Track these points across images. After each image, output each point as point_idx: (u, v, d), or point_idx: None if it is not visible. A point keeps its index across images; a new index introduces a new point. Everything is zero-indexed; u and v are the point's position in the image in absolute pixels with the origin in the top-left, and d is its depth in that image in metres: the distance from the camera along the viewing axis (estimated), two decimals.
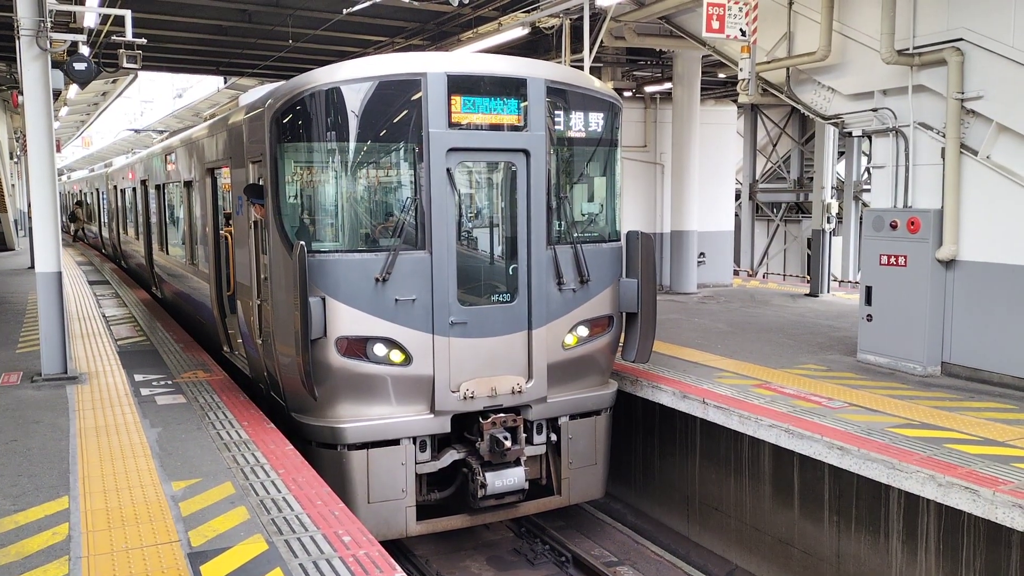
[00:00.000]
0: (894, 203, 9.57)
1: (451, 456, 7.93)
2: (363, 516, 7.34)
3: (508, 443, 7.70)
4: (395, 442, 7.60)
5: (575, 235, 8.23)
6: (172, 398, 8.32)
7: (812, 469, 7.82)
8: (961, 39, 8.66)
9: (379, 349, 7.43)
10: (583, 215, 8.65)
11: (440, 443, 7.95)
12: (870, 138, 10.08)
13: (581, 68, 12.22)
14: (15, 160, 30.11)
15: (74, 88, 20.26)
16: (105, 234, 25.38)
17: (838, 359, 10.23)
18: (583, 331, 8.31)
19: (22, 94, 8.86)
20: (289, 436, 7.26)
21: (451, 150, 7.52)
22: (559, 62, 13.09)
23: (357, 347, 7.38)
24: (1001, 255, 8.55)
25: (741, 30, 10.56)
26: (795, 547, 8.10)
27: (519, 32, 14.15)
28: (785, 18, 10.87)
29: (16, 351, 10.60)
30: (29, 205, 10.32)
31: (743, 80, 10.81)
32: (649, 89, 17.96)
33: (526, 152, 7.82)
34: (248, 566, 4.67)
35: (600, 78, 16.11)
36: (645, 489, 10.23)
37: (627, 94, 17.86)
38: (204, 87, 36.12)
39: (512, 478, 7.85)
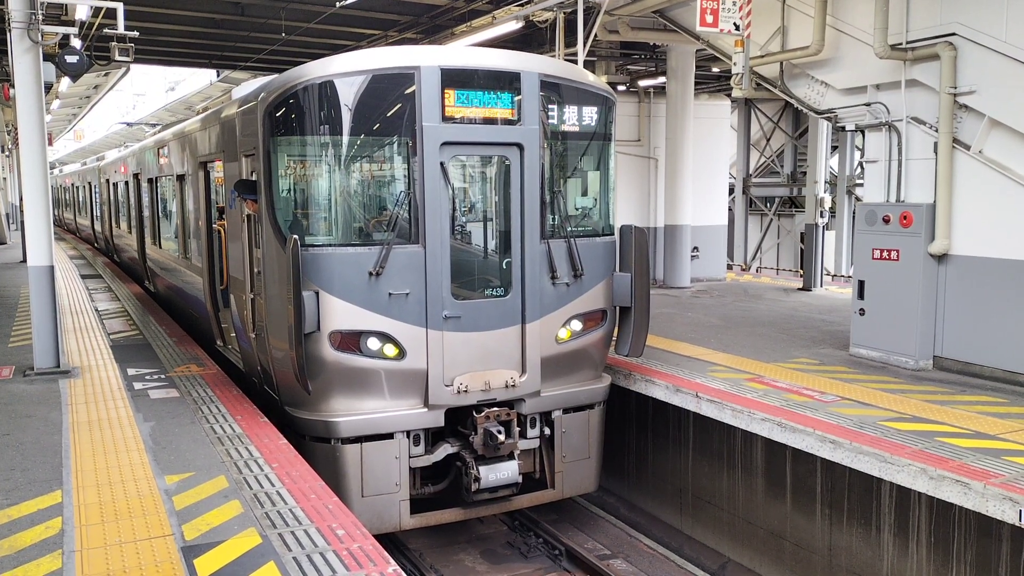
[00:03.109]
0: (887, 197, 9.60)
1: (445, 450, 7.94)
2: (357, 510, 7.34)
3: (502, 437, 7.70)
4: (389, 436, 7.61)
5: (569, 229, 8.23)
6: (165, 392, 8.31)
7: (804, 463, 7.85)
8: (954, 34, 8.67)
9: (373, 343, 7.43)
10: (577, 209, 8.65)
11: (434, 437, 7.95)
12: (863, 132, 10.10)
13: (575, 62, 12.22)
14: (6, 153, 29.98)
15: (66, 81, 20.18)
16: (98, 228, 25.30)
17: (831, 353, 10.26)
18: (577, 325, 8.32)
19: (13, 87, 8.82)
20: (283, 430, 7.26)
21: (445, 144, 7.51)
22: (553, 56, 13.08)
23: (351, 341, 7.37)
24: (993, 249, 8.58)
25: (735, 24, 10.55)
26: (787, 540, 8.14)
27: (513, 26, 14.13)
28: (779, 12, 10.87)
29: (8, 345, 10.56)
30: (21, 199, 10.27)
31: (737, 75, 10.80)
32: (643, 83, 17.95)
33: (520, 146, 7.81)
34: (242, 559, 4.67)
35: (594, 72, 16.08)
36: (638, 483, 10.26)
37: (621, 88, 17.84)
38: (197, 80, 35.92)
39: (506, 472, 7.87)
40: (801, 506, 7.97)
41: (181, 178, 11.62)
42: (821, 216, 16.62)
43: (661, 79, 17.30)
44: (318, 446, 7.52)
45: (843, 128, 10.65)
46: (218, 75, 30.10)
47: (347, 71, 7.36)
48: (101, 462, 6.26)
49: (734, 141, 22.71)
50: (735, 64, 10.84)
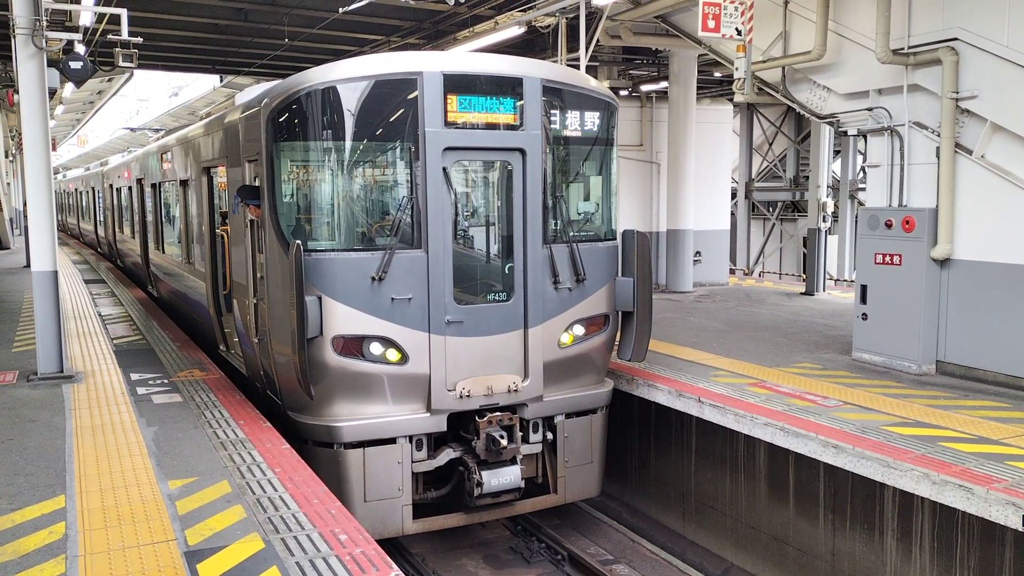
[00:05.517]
0: (889, 202, 9.60)
1: (447, 455, 7.94)
2: (360, 515, 7.35)
3: (504, 442, 7.71)
4: (391, 441, 7.61)
5: (571, 234, 8.24)
6: (168, 397, 8.32)
7: (807, 467, 7.85)
8: (956, 39, 8.68)
9: (375, 348, 7.44)
10: (579, 214, 8.66)
11: (436, 442, 7.96)
12: (865, 137, 10.10)
13: (577, 67, 12.25)
14: (11, 159, 30.05)
15: (70, 87, 20.23)
16: (101, 233, 25.35)
17: (833, 358, 10.26)
18: (579, 330, 8.32)
19: (18, 93, 8.85)
20: (285, 435, 7.26)
21: (447, 149, 7.52)
22: (555, 61, 13.10)
23: (353, 346, 7.38)
24: (996, 254, 8.58)
25: (737, 29, 10.57)
26: (790, 545, 8.13)
27: (515, 31, 14.16)
28: (781, 17, 10.89)
29: (12, 350, 10.58)
30: (25, 204, 10.31)
31: (739, 79, 10.82)
32: (645, 88, 17.99)
33: (522, 151, 7.83)
34: (245, 564, 4.68)
35: (596, 77, 16.13)
36: (641, 487, 10.25)
37: (623, 93, 17.89)
38: (200, 86, 36.02)
39: (508, 476, 7.87)
40: (804, 511, 7.97)
41: (184, 183, 11.65)
42: (823, 220, 16.62)
43: (663, 84, 17.33)
44: (321, 451, 7.53)
45: (845, 133, 10.69)
46: (221, 80, 30.18)
47: (350, 77, 7.38)
48: (104, 467, 6.27)
49: (736, 145, 22.72)
50: (737, 69, 10.86)
